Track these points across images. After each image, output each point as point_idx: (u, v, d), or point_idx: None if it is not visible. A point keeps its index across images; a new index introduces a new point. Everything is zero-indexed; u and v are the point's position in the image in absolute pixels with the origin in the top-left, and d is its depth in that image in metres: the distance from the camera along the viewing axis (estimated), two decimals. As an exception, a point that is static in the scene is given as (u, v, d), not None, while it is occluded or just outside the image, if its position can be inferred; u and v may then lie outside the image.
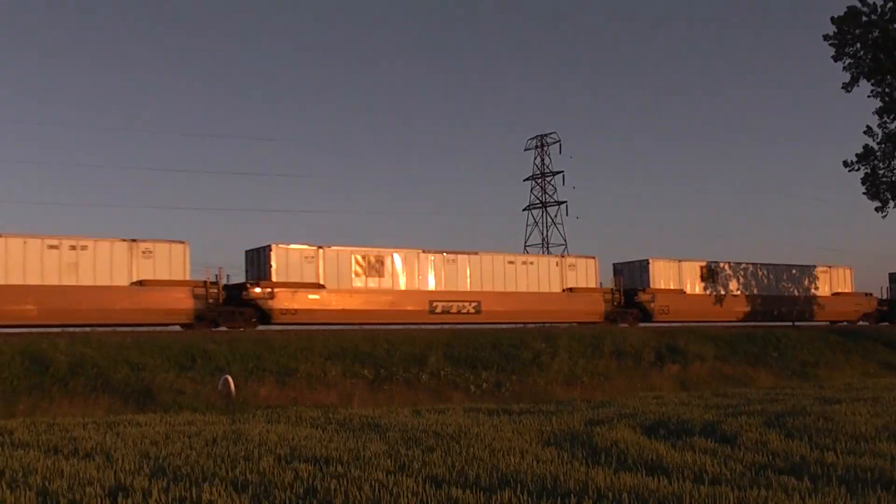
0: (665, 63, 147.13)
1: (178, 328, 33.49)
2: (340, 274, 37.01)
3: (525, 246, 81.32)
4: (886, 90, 44.34)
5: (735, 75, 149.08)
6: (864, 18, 42.84)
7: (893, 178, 44.79)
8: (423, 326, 37.01)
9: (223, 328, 34.03)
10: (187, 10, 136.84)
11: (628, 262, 46.83)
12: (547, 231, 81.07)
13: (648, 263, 45.41)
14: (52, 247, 31.81)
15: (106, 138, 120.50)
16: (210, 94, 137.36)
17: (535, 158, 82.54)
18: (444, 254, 40.03)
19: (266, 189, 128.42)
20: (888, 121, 44.60)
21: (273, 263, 35.65)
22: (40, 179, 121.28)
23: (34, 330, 29.03)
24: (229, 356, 26.82)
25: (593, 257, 44.35)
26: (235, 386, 23.94)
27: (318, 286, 36.55)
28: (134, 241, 33.36)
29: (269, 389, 25.08)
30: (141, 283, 33.07)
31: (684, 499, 8.40)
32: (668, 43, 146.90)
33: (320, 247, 36.89)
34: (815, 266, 52.92)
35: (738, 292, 48.94)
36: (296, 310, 35.77)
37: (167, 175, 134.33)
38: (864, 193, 45.55)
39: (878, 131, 45.09)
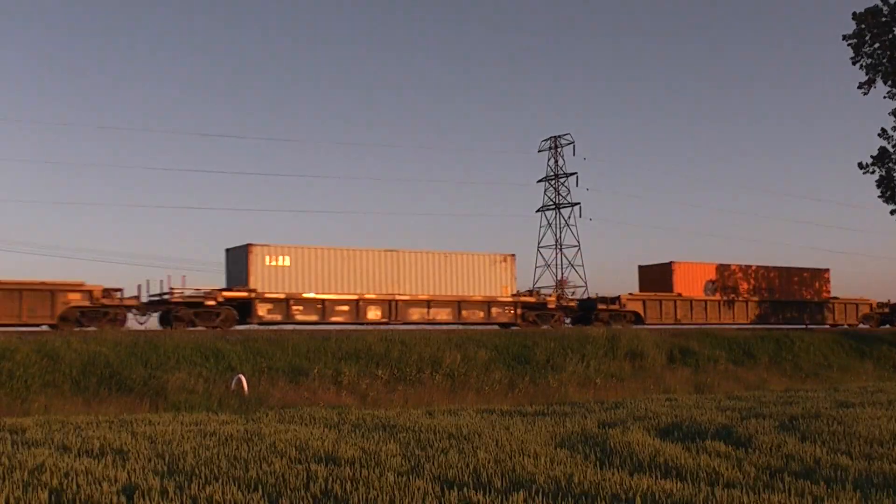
0: (679, 65, 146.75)
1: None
2: None
3: (538, 247, 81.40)
4: (902, 91, 44.13)
5: (749, 77, 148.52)
6: (883, 18, 42.65)
7: None
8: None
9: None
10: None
11: None
12: (560, 232, 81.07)
13: None
14: None
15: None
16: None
17: (549, 160, 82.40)
18: None
19: (270, 190, 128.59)
20: (903, 123, 44.37)
21: None
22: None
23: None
24: (242, 356, 26.88)
25: None
26: (248, 385, 24.01)
27: None
28: None
29: (282, 389, 25.11)
30: None
31: (698, 502, 8.37)
32: (682, 45, 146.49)
33: None
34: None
35: None
36: None
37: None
38: (878, 196, 45.38)
39: (893, 134, 44.84)
